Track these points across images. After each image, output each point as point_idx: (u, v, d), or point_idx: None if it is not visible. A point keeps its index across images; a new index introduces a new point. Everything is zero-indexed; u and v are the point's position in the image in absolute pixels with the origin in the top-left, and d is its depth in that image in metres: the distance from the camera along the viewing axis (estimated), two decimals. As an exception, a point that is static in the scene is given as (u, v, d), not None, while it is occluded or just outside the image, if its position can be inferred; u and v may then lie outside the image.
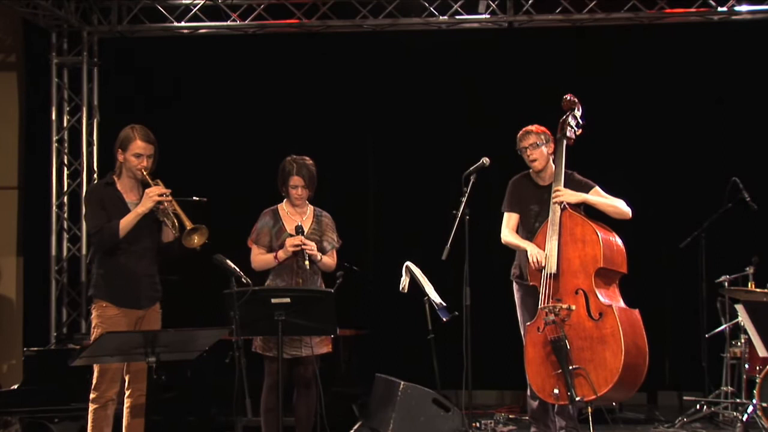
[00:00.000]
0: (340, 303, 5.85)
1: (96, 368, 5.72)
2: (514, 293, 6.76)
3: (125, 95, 9.73)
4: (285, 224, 6.39)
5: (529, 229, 6.60)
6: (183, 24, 9.59)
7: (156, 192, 5.72)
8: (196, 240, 5.67)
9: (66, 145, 9.80)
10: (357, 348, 8.62)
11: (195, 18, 9.56)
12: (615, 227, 6.48)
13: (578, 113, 6.64)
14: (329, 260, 6.44)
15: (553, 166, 6.60)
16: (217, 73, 9.77)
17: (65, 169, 9.78)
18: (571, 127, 6.58)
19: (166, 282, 6.10)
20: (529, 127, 6.67)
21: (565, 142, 6.55)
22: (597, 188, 6.62)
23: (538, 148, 6.58)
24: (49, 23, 9.57)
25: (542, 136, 6.60)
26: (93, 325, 5.84)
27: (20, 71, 9.96)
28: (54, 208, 9.68)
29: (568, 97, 6.67)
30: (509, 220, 6.71)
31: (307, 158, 6.45)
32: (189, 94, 9.75)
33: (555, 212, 6.39)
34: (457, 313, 6.44)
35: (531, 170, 6.71)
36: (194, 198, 6.92)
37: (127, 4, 9.65)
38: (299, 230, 6.25)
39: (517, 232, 6.68)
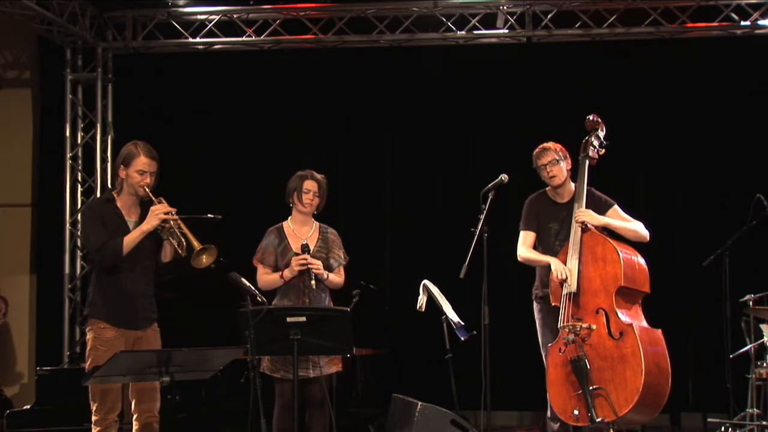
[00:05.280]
0: (357, 322, 5.76)
1: (96, 391, 5.58)
2: (534, 313, 6.63)
3: (139, 111, 9.67)
4: (290, 243, 6.29)
5: (549, 247, 6.50)
6: (198, 40, 9.56)
7: (162, 210, 5.60)
8: (205, 260, 5.58)
9: (80, 161, 9.77)
10: (374, 367, 8.53)
11: (210, 34, 9.53)
12: (637, 245, 6.37)
13: (602, 134, 6.57)
14: (336, 278, 6.36)
15: (572, 184, 6.52)
16: (232, 88, 9.72)
17: (79, 186, 9.75)
18: (594, 147, 6.49)
19: (166, 300, 6.00)
20: (546, 144, 6.56)
21: (588, 162, 6.45)
22: (616, 206, 6.54)
23: (558, 164, 6.48)
24: (64, 40, 9.54)
25: (560, 153, 6.51)
26: (89, 347, 5.68)
27: (34, 88, 9.96)
28: (67, 225, 9.62)
29: (592, 118, 6.59)
30: (525, 239, 6.62)
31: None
32: (204, 110, 9.69)
33: (576, 231, 6.29)
34: (475, 332, 6.32)
35: (548, 188, 6.62)
36: (208, 215, 6.84)
37: (142, 20, 9.63)
38: (305, 249, 6.15)
39: (535, 250, 6.56)
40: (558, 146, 6.55)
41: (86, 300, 5.88)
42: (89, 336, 5.70)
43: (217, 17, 9.46)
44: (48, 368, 8.33)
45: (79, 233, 9.61)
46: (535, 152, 6.57)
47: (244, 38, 9.51)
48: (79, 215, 9.46)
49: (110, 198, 5.80)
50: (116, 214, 5.72)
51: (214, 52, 9.67)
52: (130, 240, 5.60)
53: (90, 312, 5.72)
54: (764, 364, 7.65)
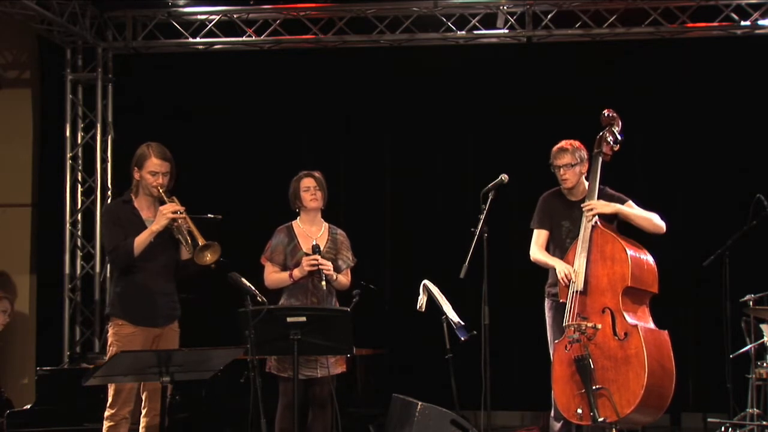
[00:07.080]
0: (357, 322, 5.76)
1: (112, 386, 5.69)
2: (545, 310, 6.62)
3: (139, 111, 9.67)
4: (300, 242, 6.30)
5: (561, 245, 6.48)
6: (198, 40, 9.55)
7: (170, 209, 5.69)
8: (209, 257, 5.62)
9: (80, 161, 9.75)
10: (374, 367, 8.52)
11: (210, 34, 9.52)
12: (646, 245, 6.32)
13: (617, 129, 6.48)
14: (344, 279, 6.38)
15: (586, 183, 6.46)
16: (232, 88, 9.71)
17: (79, 186, 9.73)
18: (608, 143, 6.42)
19: (181, 300, 6.02)
20: (566, 145, 6.48)
21: (600, 158, 6.41)
22: (630, 202, 6.47)
23: (572, 169, 6.42)
24: (64, 40, 9.53)
25: (578, 155, 6.42)
26: (109, 343, 5.83)
27: (34, 88, 9.94)
28: (68, 225, 9.62)
29: (607, 113, 6.51)
30: (538, 237, 6.58)
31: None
32: (204, 110, 9.67)
33: (586, 229, 6.24)
34: (475, 332, 6.32)
35: (561, 186, 6.57)
36: (208, 215, 6.84)
37: (142, 20, 9.62)
38: (316, 249, 6.16)
39: (547, 248, 6.55)
40: (578, 146, 6.46)
41: (107, 299, 6.02)
42: (110, 333, 5.84)
43: (217, 17, 9.46)
44: (48, 368, 8.32)
45: (79, 233, 9.68)
46: (553, 150, 6.50)
47: (244, 38, 9.50)
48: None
49: (127, 199, 5.92)
50: (134, 214, 5.83)
51: (214, 52, 9.66)
52: (140, 240, 5.69)
53: (111, 311, 5.86)
54: (764, 364, 7.65)
